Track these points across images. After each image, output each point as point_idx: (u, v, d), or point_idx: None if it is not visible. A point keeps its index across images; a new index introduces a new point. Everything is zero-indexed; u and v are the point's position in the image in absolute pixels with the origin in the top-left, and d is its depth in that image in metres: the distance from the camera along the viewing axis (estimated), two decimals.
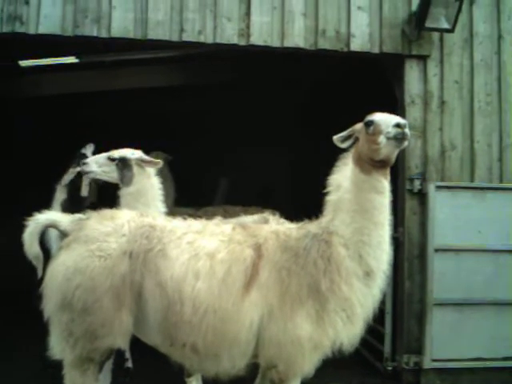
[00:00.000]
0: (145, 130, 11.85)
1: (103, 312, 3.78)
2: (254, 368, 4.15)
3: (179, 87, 11.66)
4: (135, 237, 3.96)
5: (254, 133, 11.98)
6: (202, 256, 3.87)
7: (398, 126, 3.63)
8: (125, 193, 5.31)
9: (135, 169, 5.33)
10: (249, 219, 5.13)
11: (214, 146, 12.57)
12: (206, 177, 10.69)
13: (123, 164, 5.34)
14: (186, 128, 12.76)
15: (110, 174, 5.42)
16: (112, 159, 5.40)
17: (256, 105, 12.16)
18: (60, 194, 6.67)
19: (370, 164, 3.76)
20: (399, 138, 3.64)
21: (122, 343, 3.94)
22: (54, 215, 4.25)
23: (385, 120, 3.71)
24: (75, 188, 6.70)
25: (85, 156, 6.42)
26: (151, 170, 5.43)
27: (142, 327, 4.00)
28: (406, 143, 3.71)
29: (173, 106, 12.44)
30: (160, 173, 9.19)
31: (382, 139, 3.65)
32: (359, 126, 3.92)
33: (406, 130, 3.64)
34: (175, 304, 3.78)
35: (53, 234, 5.44)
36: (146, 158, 5.40)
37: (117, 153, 5.42)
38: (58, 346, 3.93)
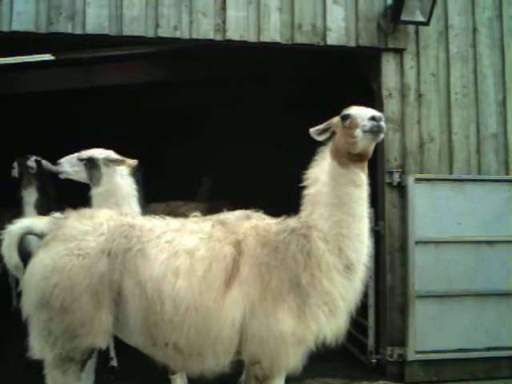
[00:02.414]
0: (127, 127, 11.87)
1: (82, 311, 3.74)
2: (239, 364, 4.14)
3: (159, 83, 11.63)
4: (114, 236, 3.93)
5: (237, 129, 11.98)
6: (181, 254, 3.85)
7: (373, 119, 3.64)
8: (95, 193, 5.37)
9: (103, 169, 5.36)
10: (231, 216, 5.11)
11: (199, 142, 12.57)
12: (190, 173, 10.72)
13: (91, 164, 5.38)
14: (169, 124, 12.73)
15: (80, 173, 5.47)
16: (81, 159, 5.43)
17: (236, 101, 12.16)
18: (30, 197, 6.68)
19: (347, 157, 3.77)
20: (375, 131, 3.65)
21: (102, 343, 3.90)
22: (26, 222, 4.20)
23: (361, 113, 3.71)
24: (43, 186, 6.74)
25: (25, 164, 6.80)
26: (122, 170, 5.42)
27: (124, 328, 3.97)
28: (381, 136, 3.72)
29: (155, 102, 12.42)
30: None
31: (358, 132, 3.66)
32: (336, 119, 3.93)
33: (382, 123, 3.65)
34: (155, 303, 3.75)
35: (33, 237, 5.41)
36: (112, 157, 5.38)
37: (85, 153, 5.45)
38: (37, 346, 3.90)
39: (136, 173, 9.73)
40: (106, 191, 5.31)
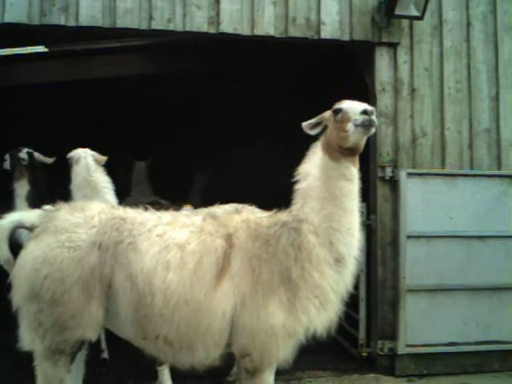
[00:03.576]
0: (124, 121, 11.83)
1: (72, 303, 3.74)
2: (230, 358, 4.15)
3: (153, 76, 11.60)
4: (105, 228, 3.93)
5: (232, 125, 11.93)
6: (172, 248, 3.85)
7: (365, 112, 3.63)
8: (71, 187, 6.00)
9: (73, 166, 6.03)
10: (219, 210, 5.13)
11: (193, 137, 12.52)
12: (183, 169, 10.73)
13: (69, 162, 6.07)
14: (164, 119, 12.67)
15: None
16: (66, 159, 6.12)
17: (230, 96, 12.14)
18: (21, 189, 6.68)
19: (338, 151, 3.76)
20: (366, 125, 3.64)
21: (92, 335, 3.91)
22: (16, 216, 4.18)
23: (352, 107, 3.71)
24: (35, 178, 6.76)
25: (17, 156, 6.89)
26: (88, 167, 5.98)
27: (115, 320, 3.98)
28: (373, 130, 3.72)
29: (151, 96, 12.39)
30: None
31: (350, 126, 3.65)
32: (328, 113, 3.92)
33: (373, 117, 3.65)
34: (146, 297, 3.76)
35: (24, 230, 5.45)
36: (70, 155, 6.04)
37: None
38: (27, 337, 3.89)
39: (143, 169, 9.90)
40: (77, 185, 5.92)
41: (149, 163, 10.08)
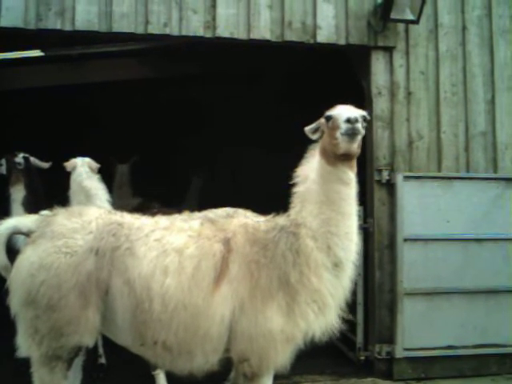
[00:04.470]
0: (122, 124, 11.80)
1: (69, 309, 3.73)
2: (228, 362, 4.14)
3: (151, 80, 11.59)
4: (102, 234, 3.91)
5: (227, 128, 11.92)
6: (170, 252, 3.84)
7: (348, 121, 3.58)
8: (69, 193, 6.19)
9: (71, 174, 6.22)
10: (211, 215, 5.09)
11: (189, 140, 12.51)
12: (180, 173, 10.71)
13: (67, 170, 6.26)
14: (161, 122, 12.66)
15: None
16: None
17: (227, 98, 12.13)
18: (17, 194, 6.65)
19: (333, 157, 3.75)
20: (350, 134, 3.59)
21: (89, 341, 3.89)
22: (12, 222, 4.16)
23: (340, 115, 3.66)
24: (31, 183, 6.75)
25: (13, 161, 6.89)
26: (81, 173, 6.15)
27: (112, 326, 3.96)
28: (358, 137, 3.65)
29: (147, 99, 12.37)
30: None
31: (338, 134, 3.62)
32: (323, 119, 3.91)
33: (357, 125, 3.58)
34: (144, 302, 3.74)
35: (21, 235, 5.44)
36: (66, 164, 6.23)
37: None
38: (24, 343, 3.87)
39: (126, 172, 9.91)
40: (73, 191, 6.10)
41: (131, 166, 10.03)
